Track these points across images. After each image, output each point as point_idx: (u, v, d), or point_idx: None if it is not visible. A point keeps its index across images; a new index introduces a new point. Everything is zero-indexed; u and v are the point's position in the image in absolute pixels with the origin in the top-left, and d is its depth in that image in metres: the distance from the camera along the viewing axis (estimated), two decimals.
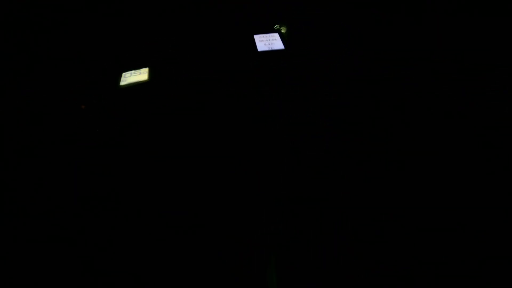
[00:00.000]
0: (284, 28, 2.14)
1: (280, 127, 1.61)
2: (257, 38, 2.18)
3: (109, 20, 2.50)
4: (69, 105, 1.82)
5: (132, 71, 2.07)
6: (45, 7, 2.36)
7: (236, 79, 1.92)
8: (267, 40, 2.16)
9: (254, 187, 1.37)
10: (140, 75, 2.01)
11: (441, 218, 1.25)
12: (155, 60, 2.15)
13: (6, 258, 1.19)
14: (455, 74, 1.85)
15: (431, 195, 1.32)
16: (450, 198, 1.31)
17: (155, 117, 1.73)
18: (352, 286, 1.08)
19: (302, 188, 1.35)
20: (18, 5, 2.24)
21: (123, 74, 2.06)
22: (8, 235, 1.26)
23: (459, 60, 1.93)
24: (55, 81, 2.01)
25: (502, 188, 1.33)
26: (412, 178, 1.37)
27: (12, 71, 2.06)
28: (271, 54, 2.07)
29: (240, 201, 1.32)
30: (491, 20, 2.18)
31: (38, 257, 1.19)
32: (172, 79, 1.98)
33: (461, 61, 1.93)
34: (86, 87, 1.94)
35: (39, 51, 2.22)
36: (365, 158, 1.45)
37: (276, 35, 2.20)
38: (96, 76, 2.03)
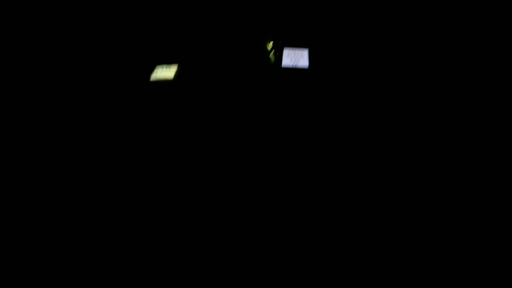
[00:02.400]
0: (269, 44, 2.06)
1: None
2: (286, 51, 2.16)
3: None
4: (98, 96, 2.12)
5: (165, 66, 2.26)
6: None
7: (254, 97, 1.99)
8: (294, 55, 2.13)
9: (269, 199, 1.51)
10: (169, 72, 2.19)
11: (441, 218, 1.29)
12: (185, 56, 2.30)
13: (5, 258, 1.28)
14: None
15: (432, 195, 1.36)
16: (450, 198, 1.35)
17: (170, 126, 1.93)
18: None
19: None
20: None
21: (157, 67, 2.27)
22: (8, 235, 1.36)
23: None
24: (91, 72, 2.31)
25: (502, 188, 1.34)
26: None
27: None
28: (294, 71, 2.05)
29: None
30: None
31: (38, 257, 1.31)
32: (195, 82, 2.13)
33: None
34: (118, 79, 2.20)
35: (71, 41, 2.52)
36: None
37: (305, 52, 2.14)
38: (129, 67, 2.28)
